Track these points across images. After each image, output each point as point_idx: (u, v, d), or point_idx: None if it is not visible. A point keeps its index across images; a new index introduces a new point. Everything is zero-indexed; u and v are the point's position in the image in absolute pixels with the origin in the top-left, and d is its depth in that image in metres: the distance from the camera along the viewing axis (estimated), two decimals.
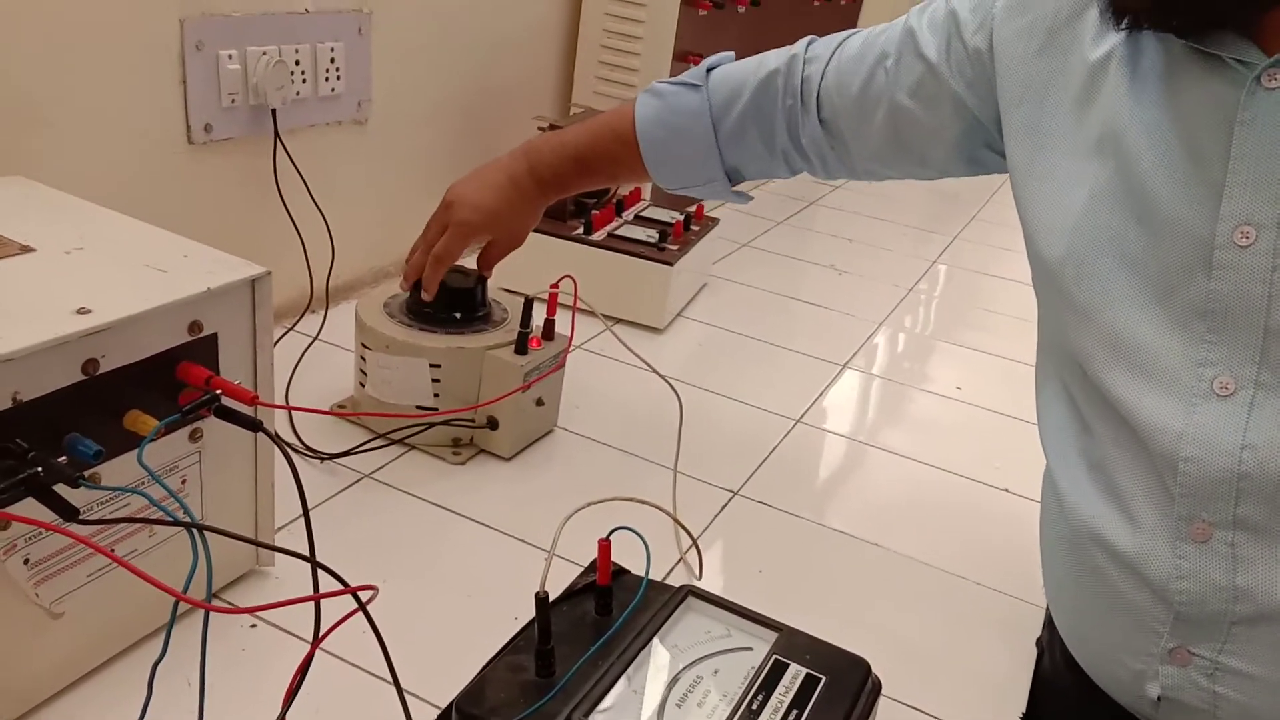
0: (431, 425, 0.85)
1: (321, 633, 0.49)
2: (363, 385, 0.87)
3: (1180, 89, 0.52)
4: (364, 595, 0.47)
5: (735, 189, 0.83)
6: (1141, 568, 0.54)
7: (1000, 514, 0.90)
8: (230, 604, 0.66)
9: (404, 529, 0.77)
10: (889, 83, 0.70)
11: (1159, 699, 0.55)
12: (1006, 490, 0.93)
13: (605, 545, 0.61)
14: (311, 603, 0.49)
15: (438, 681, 0.59)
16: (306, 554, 0.49)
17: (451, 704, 0.55)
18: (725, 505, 0.85)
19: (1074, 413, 0.59)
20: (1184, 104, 0.52)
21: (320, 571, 0.50)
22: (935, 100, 0.69)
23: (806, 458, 0.95)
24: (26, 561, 0.52)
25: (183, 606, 0.62)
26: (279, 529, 0.70)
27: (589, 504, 0.63)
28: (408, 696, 0.56)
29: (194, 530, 0.46)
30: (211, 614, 0.65)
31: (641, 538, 0.62)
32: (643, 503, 0.69)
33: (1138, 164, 0.53)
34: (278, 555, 0.69)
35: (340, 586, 0.46)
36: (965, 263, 1.60)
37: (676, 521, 0.78)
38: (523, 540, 0.77)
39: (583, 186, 0.89)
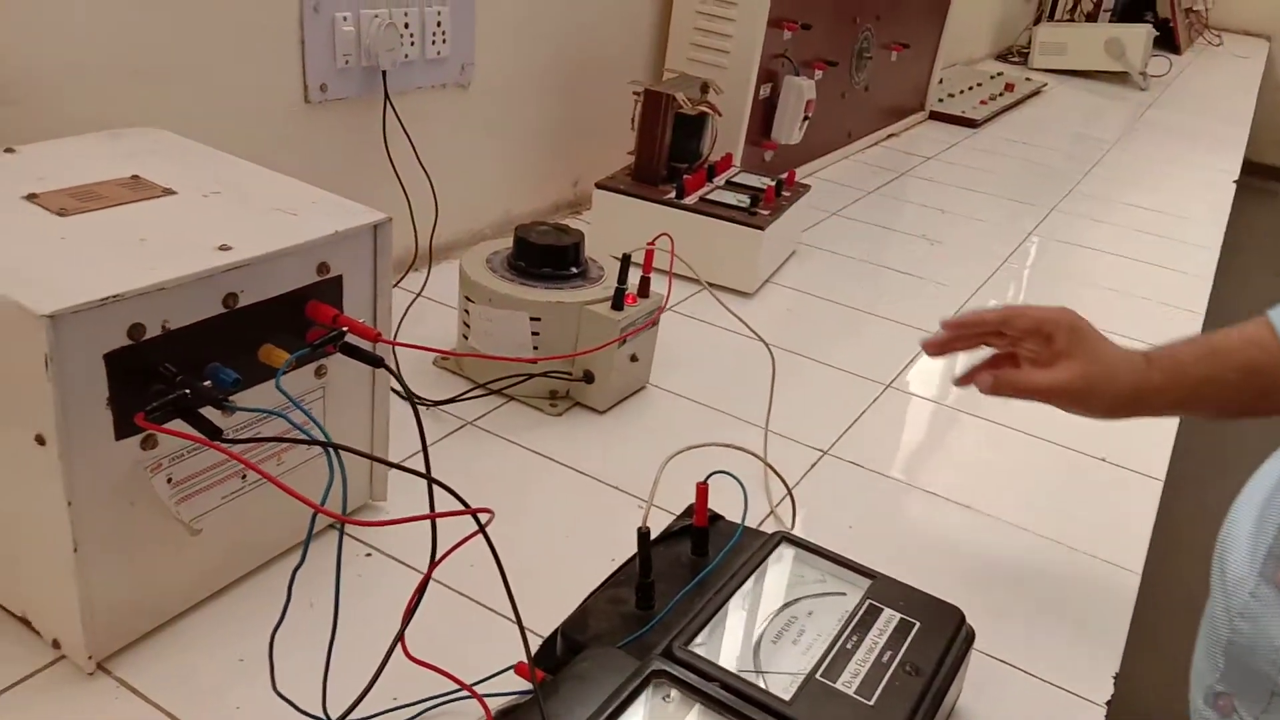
0: (531, 376, 0.88)
1: (438, 555, 0.52)
2: (465, 338, 0.91)
3: None
4: (482, 518, 0.50)
5: None
6: (1232, 591, 0.52)
7: (1096, 482, 0.89)
8: (346, 533, 0.70)
9: (504, 473, 0.80)
10: None
11: None
12: (1104, 460, 0.92)
13: (703, 488, 0.63)
14: (426, 535, 0.52)
15: (538, 613, 0.61)
16: (427, 479, 0.52)
17: (557, 630, 0.58)
18: (815, 464, 0.86)
19: None
20: None
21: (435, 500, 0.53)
22: None
23: (897, 421, 0.96)
24: (169, 480, 0.56)
25: (319, 523, 0.66)
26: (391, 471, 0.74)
27: (689, 447, 0.65)
28: (507, 622, 0.59)
29: (331, 449, 0.49)
30: (334, 545, 0.69)
31: (739, 481, 0.63)
32: (740, 449, 0.70)
33: None
34: (390, 491, 0.72)
35: (459, 507, 0.49)
36: (1061, 235, 1.57)
37: (771, 469, 0.79)
38: (617, 488, 0.79)
39: (1187, 414, 0.75)
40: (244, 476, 0.61)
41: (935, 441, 0.94)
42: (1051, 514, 0.83)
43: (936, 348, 0.76)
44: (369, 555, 0.68)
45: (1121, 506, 0.86)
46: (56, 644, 0.57)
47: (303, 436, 0.50)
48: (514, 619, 0.51)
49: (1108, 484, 0.89)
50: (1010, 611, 0.70)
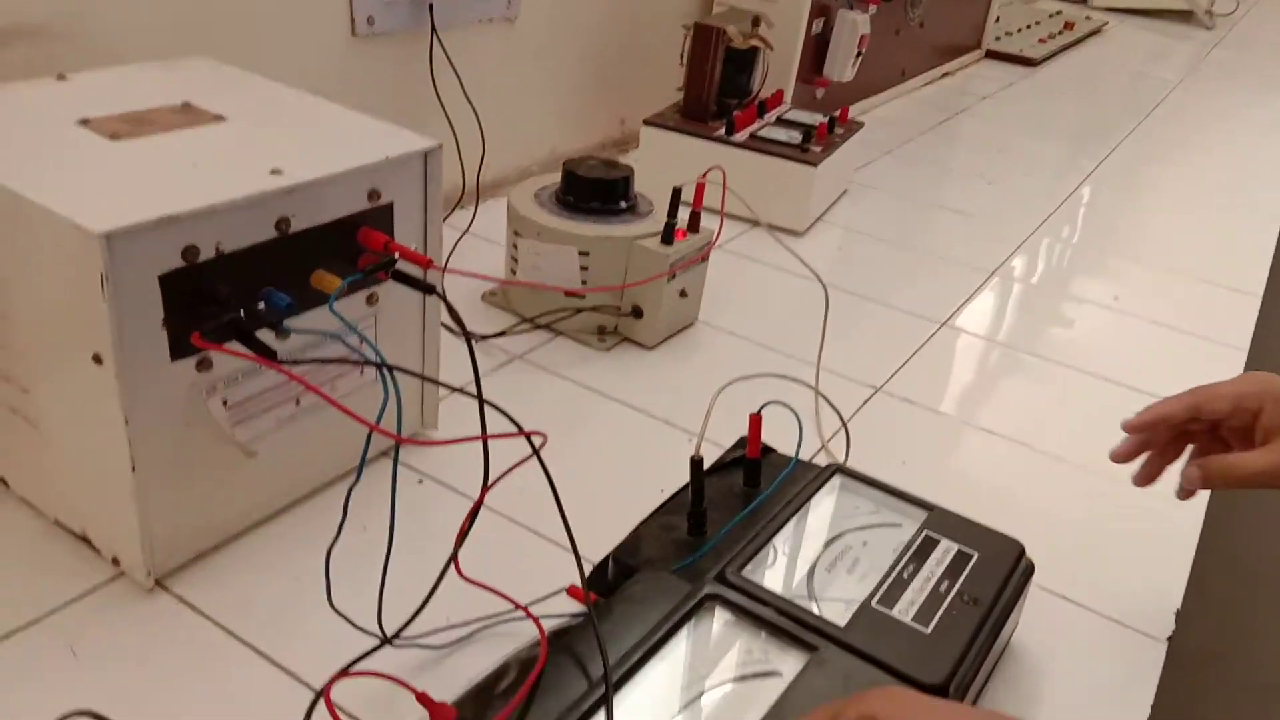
0: (579, 310, 0.87)
1: (491, 479, 0.52)
2: (513, 273, 0.90)
3: None
4: (535, 440, 0.49)
5: None
6: None
7: None
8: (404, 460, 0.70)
9: (552, 406, 0.79)
10: None
11: None
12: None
13: (756, 419, 0.62)
14: (477, 462, 0.51)
15: (588, 540, 0.60)
16: (479, 400, 0.52)
17: (609, 555, 0.57)
18: (867, 400, 0.85)
19: None
20: None
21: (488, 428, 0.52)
22: None
23: (952, 360, 0.94)
24: (225, 403, 0.57)
25: (371, 450, 0.66)
26: (441, 399, 0.74)
27: (742, 377, 0.63)
28: (558, 549, 0.59)
29: (385, 370, 0.49)
30: (386, 472, 0.69)
31: (794, 411, 0.62)
32: (793, 380, 0.69)
33: None
34: (442, 420, 0.72)
35: (512, 430, 0.49)
36: (1120, 177, 1.52)
37: (824, 399, 0.77)
38: (666, 421, 0.79)
39: None
40: (298, 401, 0.61)
41: (991, 379, 0.92)
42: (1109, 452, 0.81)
43: (1128, 458, 0.65)
44: (420, 482, 0.68)
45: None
46: (116, 561, 0.58)
47: (358, 358, 0.50)
48: (567, 544, 0.51)
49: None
50: (1069, 548, 0.69)
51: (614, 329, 0.89)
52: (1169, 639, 0.62)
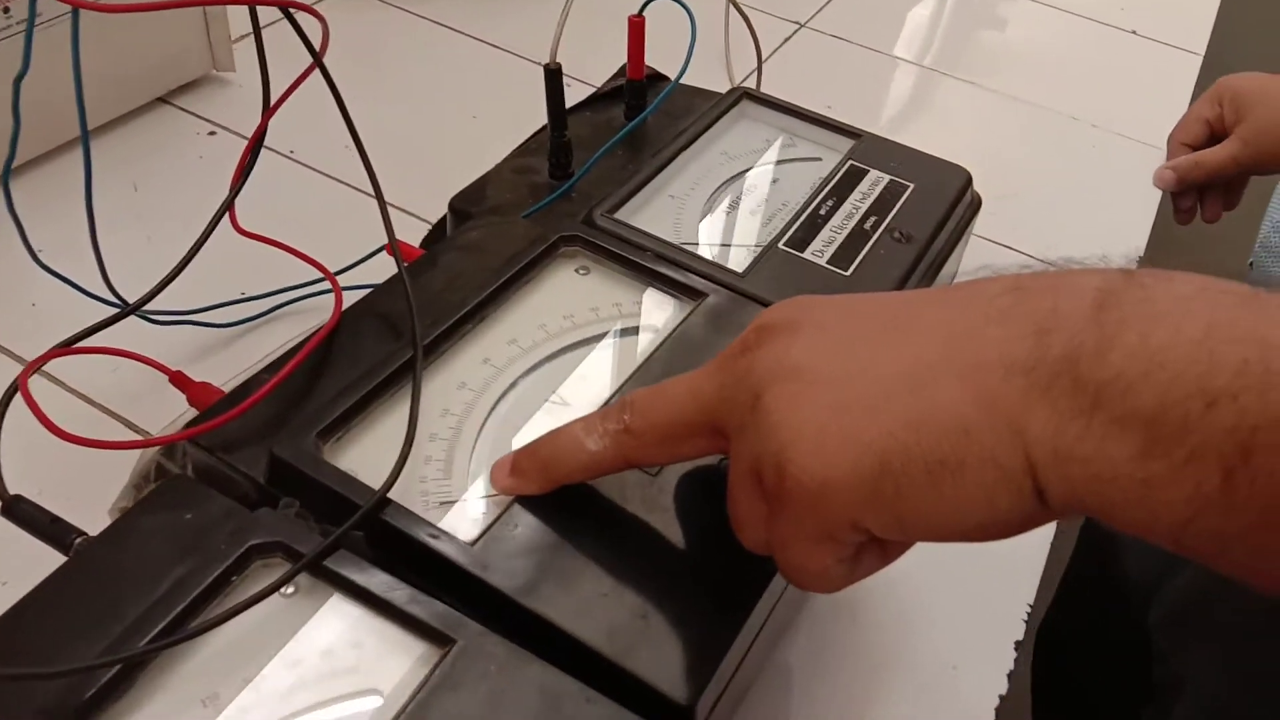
0: None
1: (274, 101, 0.38)
2: None
3: None
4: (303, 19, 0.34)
5: None
6: None
7: (1125, 57, 0.74)
8: (183, 108, 0.55)
9: (391, 45, 0.64)
10: None
11: None
12: (1133, 32, 0.76)
13: (638, 23, 0.47)
14: (282, 113, 0.37)
15: (429, 198, 0.48)
16: None
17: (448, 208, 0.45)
18: (789, 38, 0.70)
19: None
20: None
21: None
22: None
23: None
24: None
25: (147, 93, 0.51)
26: (237, 39, 0.58)
27: None
28: (393, 210, 0.46)
29: None
30: (167, 122, 0.54)
31: (687, 8, 0.48)
32: None
33: None
34: (241, 63, 0.56)
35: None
36: None
37: (739, 10, 0.61)
38: (537, 63, 0.63)
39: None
40: (6, 9, 0.44)
41: (936, 13, 0.77)
42: (1072, 90, 0.68)
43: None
44: (213, 134, 0.53)
45: (1154, 82, 0.72)
46: None
47: None
48: (401, 205, 0.37)
49: (1139, 59, 0.74)
50: (1023, 192, 0.58)
51: None
52: None
